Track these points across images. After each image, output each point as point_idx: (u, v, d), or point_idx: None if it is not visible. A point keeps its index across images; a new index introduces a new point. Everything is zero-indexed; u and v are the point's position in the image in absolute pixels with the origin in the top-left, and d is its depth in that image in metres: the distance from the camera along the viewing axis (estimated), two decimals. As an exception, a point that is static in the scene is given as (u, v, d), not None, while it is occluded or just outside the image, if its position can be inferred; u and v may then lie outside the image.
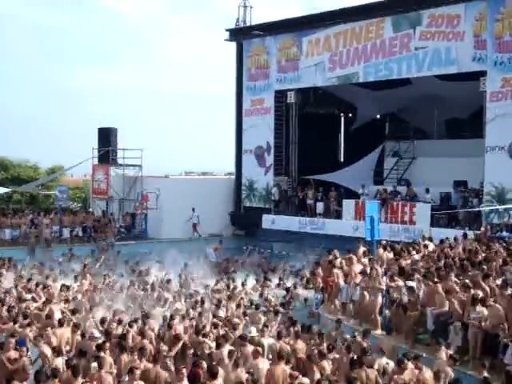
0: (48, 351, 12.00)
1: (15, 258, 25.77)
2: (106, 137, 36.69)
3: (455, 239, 20.28)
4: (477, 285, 13.92)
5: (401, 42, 29.46)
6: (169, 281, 21.00)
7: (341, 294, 17.78)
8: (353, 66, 31.49)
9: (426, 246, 19.51)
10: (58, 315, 14.68)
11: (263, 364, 11.24)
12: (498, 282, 13.96)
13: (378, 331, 14.95)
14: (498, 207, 25.25)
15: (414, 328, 14.50)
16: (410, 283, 14.98)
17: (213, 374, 9.56)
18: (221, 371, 10.13)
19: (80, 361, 10.52)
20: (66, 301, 16.96)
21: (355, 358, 11.20)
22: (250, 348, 12.04)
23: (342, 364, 11.65)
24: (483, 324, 12.66)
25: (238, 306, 16.77)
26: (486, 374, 10.55)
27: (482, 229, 22.93)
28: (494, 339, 12.40)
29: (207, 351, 11.82)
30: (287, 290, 20.33)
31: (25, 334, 13.06)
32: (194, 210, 34.24)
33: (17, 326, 13.95)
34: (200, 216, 34.19)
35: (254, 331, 13.43)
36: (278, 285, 21.70)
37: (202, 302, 17.43)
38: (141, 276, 22.72)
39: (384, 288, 16.07)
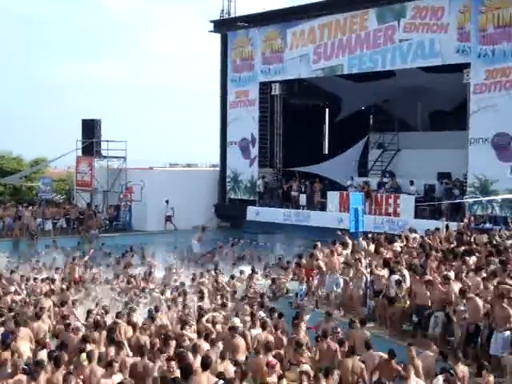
0: (23, 345, 11.85)
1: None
2: (90, 128, 36.46)
3: (437, 230, 20.35)
4: (457, 277, 13.98)
5: (385, 33, 29.49)
6: (151, 273, 21.08)
7: (324, 286, 17.86)
8: (337, 57, 31.48)
9: (407, 238, 19.54)
10: (36, 309, 14.49)
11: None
12: (484, 274, 14.00)
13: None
14: (481, 199, 25.41)
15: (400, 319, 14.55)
16: (396, 277, 14.99)
17: (205, 365, 9.57)
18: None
19: (62, 352, 10.44)
20: (51, 293, 16.90)
21: (348, 347, 11.31)
22: (240, 340, 12.05)
23: (326, 352, 11.69)
24: (466, 316, 12.72)
25: (222, 297, 16.75)
26: (461, 366, 10.52)
27: (466, 220, 23.06)
28: (476, 330, 12.48)
29: (187, 343, 11.78)
30: (273, 280, 20.34)
31: (11, 327, 12.94)
32: (167, 202, 34.15)
33: (3, 318, 13.81)
34: (185, 208, 34.05)
35: (237, 322, 13.41)
36: (266, 276, 21.72)
37: (185, 293, 17.41)
38: (125, 269, 22.68)
39: (368, 279, 16.16)
